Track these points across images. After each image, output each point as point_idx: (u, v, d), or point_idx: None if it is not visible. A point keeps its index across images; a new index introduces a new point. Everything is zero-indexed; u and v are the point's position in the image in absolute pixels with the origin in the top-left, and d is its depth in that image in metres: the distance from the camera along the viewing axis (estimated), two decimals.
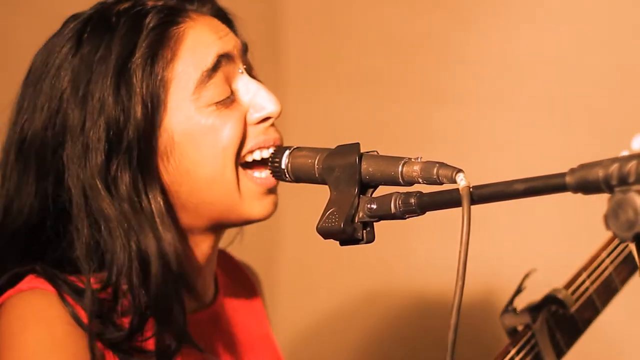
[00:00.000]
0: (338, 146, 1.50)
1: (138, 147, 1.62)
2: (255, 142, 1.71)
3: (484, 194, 1.30)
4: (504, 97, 2.77)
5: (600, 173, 1.20)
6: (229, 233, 1.87)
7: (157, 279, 1.61)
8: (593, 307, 1.90)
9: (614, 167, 1.19)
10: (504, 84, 2.77)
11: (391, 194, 1.40)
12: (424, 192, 1.38)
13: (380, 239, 1.45)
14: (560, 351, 1.88)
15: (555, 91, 2.69)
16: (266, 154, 1.72)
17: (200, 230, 1.73)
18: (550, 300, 1.85)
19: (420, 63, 2.90)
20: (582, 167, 1.22)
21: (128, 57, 1.62)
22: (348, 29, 3.05)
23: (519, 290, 1.86)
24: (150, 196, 1.63)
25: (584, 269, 1.90)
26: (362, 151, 1.46)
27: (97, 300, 1.60)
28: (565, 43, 2.69)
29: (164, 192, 1.66)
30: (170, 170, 1.66)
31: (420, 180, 1.39)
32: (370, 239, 1.43)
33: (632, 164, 1.18)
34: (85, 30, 1.66)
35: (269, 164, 1.61)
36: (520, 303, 1.88)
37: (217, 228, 1.76)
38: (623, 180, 1.18)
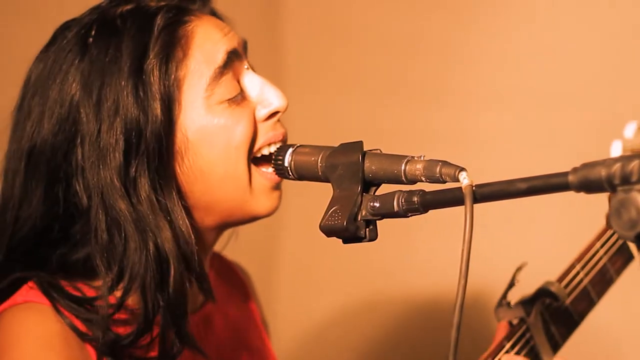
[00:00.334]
0: (341, 144, 1.50)
1: (157, 147, 1.61)
2: (265, 138, 1.71)
3: (486, 193, 1.30)
4: (505, 96, 2.77)
5: (602, 172, 1.20)
6: (224, 234, 1.87)
7: (176, 280, 1.61)
8: (588, 298, 1.91)
9: (617, 167, 1.19)
10: (504, 83, 2.77)
11: (394, 192, 1.41)
12: (426, 190, 1.39)
13: (382, 238, 1.45)
14: (555, 344, 1.89)
15: (556, 90, 2.69)
16: (274, 149, 1.71)
17: (206, 229, 1.73)
18: (543, 293, 1.85)
19: (421, 63, 2.90)
20: (585, 166, 1.22)
21: (142, 57, 1.61)
22: (348, 29, 3.05)
23: (511, 284, 1.86)
24: (167, 197, 1.62)
25: (578, 260, 1.90)
26: (365, 149, 1.46)
27: (107, 307, 1.59)
28: (565, 42, 2.69)
29: (180, 193, 1.66)
30: (184, 170, 1.66)
31: (423, 179, 1.40)
32: (373, 237, 1.43)
33: (634, 164, 1.18)
34: (89, 35, 1.65)
35: (272, 161, 1.61)
36: (517, 298, 1.89)
37: (222, 227, 1.77)
38: (626, 180, 1.18)
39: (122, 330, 1.62)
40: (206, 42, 1.67)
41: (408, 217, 1.41)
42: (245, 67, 1.74)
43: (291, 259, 3.17)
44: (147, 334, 1.61)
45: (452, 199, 1.33)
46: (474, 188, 1.31)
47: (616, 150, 1.52)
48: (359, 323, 3.05)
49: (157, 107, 1.61)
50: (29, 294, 1.62)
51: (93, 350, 1.61)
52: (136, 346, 1.61)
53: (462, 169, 1.35)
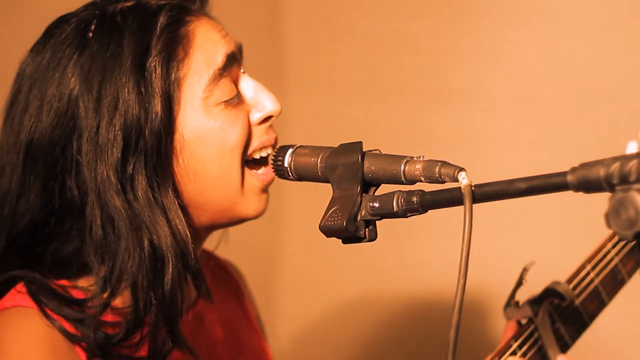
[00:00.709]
0: (341, 145, 1.50)
1: (156, 145, 1.61)
2: (259, 141, 1.73)
3: (485, 193, 1.31)
4: (506, 96, 2.77)
5: (601, 172, 1.20)
6: (217, 234, 1.88)
7: (174, 277, 1.61)
8: (599, 299, 1.90)
9: (615, 166, 1.19)
10: (505, 83, 2.77)
11: (393, 193, 1.41)
12: (426, 190, 1.39)
13: (381, 239, 1.45)
14: (564, 344, 1.88)
15: (555, 90, 2.69)
16: (264, 153, 1.74)
17: (197, 228, 1.73)
18: (550, 292, 1.85)
19: (421, 63, 2.90)
20: (584, 165, 1.23)
21: (144, 55, 1.62)
22: (349, 30, 3.05)
23: (519, 284, 1.86)
24: (164, 195, 1.63)
25: (589, 260, 1.89)
26: (364, 150, 1.46)
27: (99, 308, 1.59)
28: (566, 42, 2.68)
29: (175, 191, 1.66)
30: (179, 170, 1.67)
31: (423, 179, 1.40)
32: (373, 237, 1.44)
33: (633, 163, 1.18)
34: (88, 29, 1.65)
35: (272, 162, 1.61)
36: (526, 298, 1.89)
37: (210, 229, 1.77)
38: (624, 179, 1.18)
39: (111, 330, 1.61)
40: (206, 43, 1.68)
41: (407, 217, 1.41)
42: (242, 70, 1.75)
43: (291, 259, 3.18)
44: (137, 332, 1.61)
45: (452, 199, 1.33)
46: (473, 188, 1.31)
47: (632, 150, 1.53)
48: (359, 323, 3.05)
49: (157, 105, 1.61)
50: (17, 298, 1.62)
51: (83, 353, 1.61)
52: (126, 345, 1.61)
53: (461, 169, 1.35)
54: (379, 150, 1.47)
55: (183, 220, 1.63)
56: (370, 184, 1.45)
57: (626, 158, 1.19)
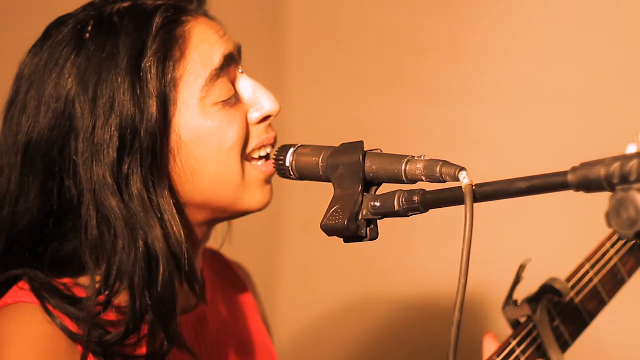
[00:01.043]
0: (342, 144, 1.51)
1: (151, 145, 1.61)
2: (258, 141, 1.73)
3: (486, 192, 1.31)
4: (506, 96, 2.77)
5: (602, 171, 1.21)
6: (221, 234, 1.88)
7: (165, 278, 1.61)
8: (598, 298, 1.90)
9: (616, 166, 1.20)
10: (505, 83, 2.78)
11: (395, 192, 1.42)
12: (427, 190, 1.40)
13: (383, 238, 1.46)
14: (564, 343, 1.88)
15: (556, 89, 2.69)
16: (264, 152, 1.74)
17: (197, 225, 1.74)
18: (547, 290, 1.85)
19: (422, 63, 2.91)
20: (584, 165, 1.23)
21: (139, 55, 1.62)
22: (350, 29, 3.05)
23: (517, 281, 1.86)
24: (159, 195, 1.63)
25: (587, 259, 1.89)
26: (365, 149, 1.47)
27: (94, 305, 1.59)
28: (566, 42, 2.69)
29: (172, 191, 1.66)
30: (177, 170, 1.67)
31: (424, 178, 1.40)
32: (374, 236, 1.44)
33: (633, 163, 1.19)
34: (85, 30, 1.65)
35: (274, 161, 1.62)
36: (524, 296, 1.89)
37: (213, 222, 1.77)
38: (624, 179, 1.19)
39: (111, 329, 1.62)
40: (203, 44, 1.68)
41: (409, 216, 1.42)
42: (240, 71, 1.75)
43: (292, 259, 3.18)
44: (136, 332, 1.61)
45: (453, 198, 1.34)
46: (474, 187, 1.31)
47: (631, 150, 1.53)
48: (360, 322, 3.05)
49: (153, 105, 1.61)
50: (19, 294, 1.62)
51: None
52: (125, 344, 1.61)
53: (462, 169, 1.35)
54: (380, 150, 1.47)
55: (178, 221, 1.64)
56: (372, 184, 1.46)
57: (627, 158, 1.20)
